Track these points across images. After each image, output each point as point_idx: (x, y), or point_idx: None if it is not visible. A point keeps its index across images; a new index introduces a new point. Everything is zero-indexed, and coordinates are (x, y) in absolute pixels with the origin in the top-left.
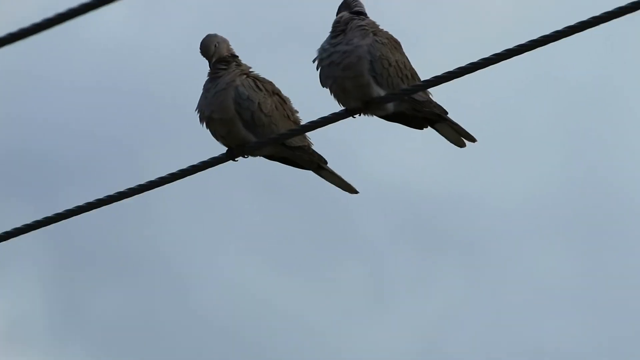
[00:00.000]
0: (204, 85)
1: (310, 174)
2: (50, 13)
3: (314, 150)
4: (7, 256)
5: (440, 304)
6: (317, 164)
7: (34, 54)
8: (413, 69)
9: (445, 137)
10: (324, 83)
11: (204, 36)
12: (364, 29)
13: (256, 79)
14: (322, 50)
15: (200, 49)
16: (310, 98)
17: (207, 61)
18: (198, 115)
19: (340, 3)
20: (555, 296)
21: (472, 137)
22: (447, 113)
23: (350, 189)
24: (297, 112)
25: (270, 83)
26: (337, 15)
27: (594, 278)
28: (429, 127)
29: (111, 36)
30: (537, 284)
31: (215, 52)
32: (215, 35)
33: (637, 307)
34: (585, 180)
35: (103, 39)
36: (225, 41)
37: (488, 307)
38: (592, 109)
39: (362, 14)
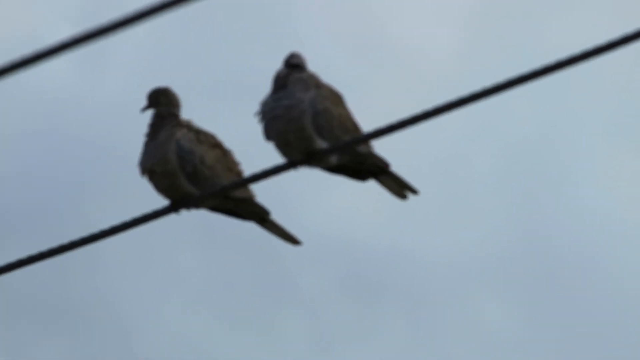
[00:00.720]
0: (144, 140)
1: (253, 225)
2: None
3: (257, 202)
4: None
5: (381, 356)
6: (260, 216)
7: None
8: (355, 122)
9: (388, 189)
10: (267, 137)
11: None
12: (306, 83)
13: (197, 132)
14: (265, 104)
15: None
16: (252, 151)
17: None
18: (140, 169)
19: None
20: (496, 349)
21: (414, 189)
22: (389, 165)
23: (293, 241)
24: (240, 164)
25: (212, 136)
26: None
27: (534, 331)
28: (371, 178)
29: (51, 87)
30: (478, 336)
31: (154, 102)
32: (162, 88)
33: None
34: (527, 234)
35: (43, 90)
36: (166, 94)
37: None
38: (536, 163)
39: (299, 66)
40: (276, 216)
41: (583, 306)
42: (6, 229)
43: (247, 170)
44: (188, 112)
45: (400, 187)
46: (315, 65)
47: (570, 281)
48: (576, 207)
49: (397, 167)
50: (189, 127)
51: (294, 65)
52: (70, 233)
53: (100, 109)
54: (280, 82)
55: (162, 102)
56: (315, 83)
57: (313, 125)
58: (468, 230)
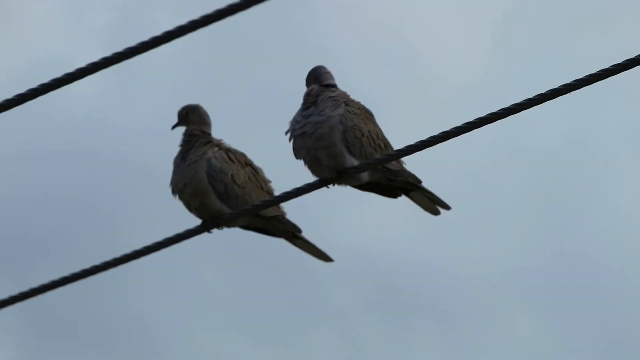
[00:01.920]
0: (174, 160)
1: (284, 243)
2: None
3: (288, 220)
4: None
5: None
6: (291, 233)
7: (6, 128)
8: (385, 139)
9: (419, 205)
10: (297, 154)
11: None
12: (336, 100)
13: (228, 150)
14: (295, 122)
15: (177, 113)
16: (283, 169)
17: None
18: (171, 188)
19: (308, 74)
20: None
21: (446, 204)
22: (420, 182)
23: (325, 257)
24: (270, 181)
25: (243, 154)
26: (306, 86)
27: (566, 344)
28: (402, 195)
29: (82, 108)
30: (510, 351)
31: (184, 119)
32: (192, 105)
33: None
34: (559, 247)
35: (74, 112)
36: (197, 112)
37: None
38: (565, 175)
39: (332, 85)
40: (307, 234)
41: (616, 317)
42: (39, 249)
43: (278, 188)
44: (218, 130)
45: (432, 203)
46: (345, 83)
47: (603, 292)
48: (608, 217)
49: (429, 183)
50: (219, 145)
51: (327, 85)
52: (103, 254)
53: (130, 129)
54: (311, 100)
55: (192, 119)
56: (345, 100)
57: (343, 142)
58: (500, 244)
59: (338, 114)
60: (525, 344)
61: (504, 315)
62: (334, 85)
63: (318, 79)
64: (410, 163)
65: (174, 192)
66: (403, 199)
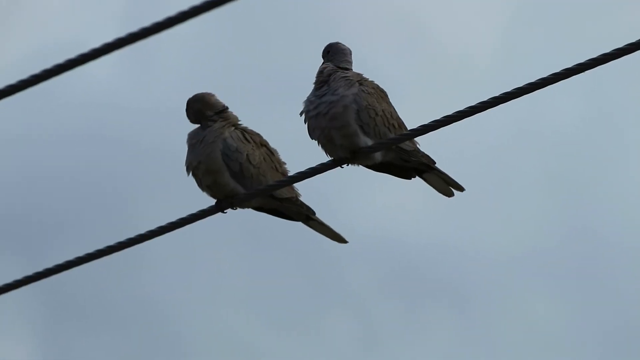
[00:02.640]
0: (190, 137)
1: (299, 224)
2: (35, 69)
3: (302, 201)
4: None
5: (430, 354)
6: (305, 215)
7: (21, 110)
8: (400, 119)
9: (433, 187)
10: (311, 135)
11: (191, 96)
12: (349, 79)
13: (244, 130)
14: (309, 102)
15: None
16: (298, 150)
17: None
18: (185, 167)
19: (324, 48)
20: (546, 345)
21: (460, 186)
22: (434, 163)
23: (339, 239)
24: (285, 163)
25: (258, 135)
26: (322, 59)
27: (584, 326)
28: (416, 176)
29: (96, 90)
30: (527, 332)
31: (196, 117)
32: (194, 101)
33: (628, 353)
34: (574, 227)
35: (89, 94)
36: (205, 102)
37: (478, 357)
38: (580, 155)
39: (345, 69)
40: (322, 215)
41: (633, 298)
42: (54, 230)
43: (293, 169)
44: (233, 111)
45: (446, 185)
46: (359, 62)
47: (620, 274)
48: (623, 197)
49: (443, 164)
50: (235, 125)
51: (343, 68)
52: (118, 235)
53: (145, 110)
54: (323, 78)
55: (203, 113)
56: (358, 79)
57: (357, 122)
58: (515, 225)
59: (352, 93)
60: (541, 326)
61: (520, 297)
62: (348, 68)
63: (334, 57)
64: (424, 144)
65: (187, 170)
66: (417, 180)
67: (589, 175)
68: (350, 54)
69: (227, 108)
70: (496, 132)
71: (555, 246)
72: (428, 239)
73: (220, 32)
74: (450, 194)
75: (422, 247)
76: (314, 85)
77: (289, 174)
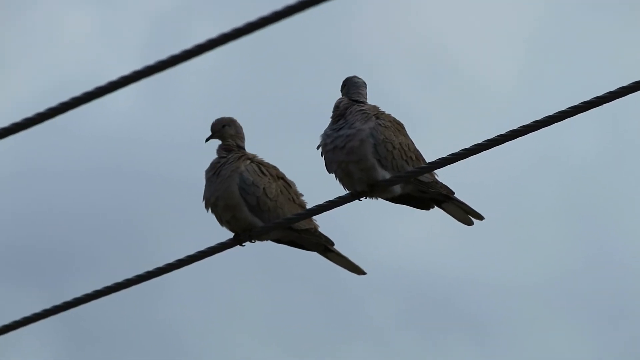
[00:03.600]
0: (207, 173)
1: (317, 256)
2: (53, 102)
3: (320, 233)
4: (17, 345)
5: None
6: (324, 246)
7: (41, 143)
8: (417, 151)
9: (453, 216)
10: (329, 169)
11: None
12: (365, 113)
13: (260, 164)
14: (325, 136)
15: (211, 125)
16: (315, 182)
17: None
18: (204, 202)
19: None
20: None
21: (480, 214)
22: (453, 193)
23: (358, 270)
24: (302, 195)
25: (275, 168)
26: (341, 93)
27: (607, 356)
28: (435, 206)
29: (117, 123)
30: None
31: (219, 132)
32: (228, 118)
33: None
34: (595, 256)
35: (109, 127)
36: (234, 126)
37: None
38: (598, 187)
39: (360, 102)
40: (340, 247)
41: None
42: (74, 264)
43: (310, 201)
44: (251, 144)
45: (465, 214)
46: (379, 95)
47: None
48: None
49: (462, 193)
50: (252, 159)
51: (355, 101)
52: (136, 268)
53: (164, 143)
54: (339, 112)
55: (228, 132)
56: (375, 113)
57: (374, 156)
58: (535, 255)
59: (369, 127)
60: (562, 356)
61: (541, 328)
62: (362, 102)
63: (349, 91)
64: (443, 174)
65: (206, 206)
66: (436, 211)
67: (609, 205)
68: (365, 87)
69: (243, 148)
70: (515, 163)
71: (576, 276)
72: (448, 269)
73: (239, 64)
74: (469, 223)
75: (441, 277)
76: (330, 119)
77: (306, 206)
